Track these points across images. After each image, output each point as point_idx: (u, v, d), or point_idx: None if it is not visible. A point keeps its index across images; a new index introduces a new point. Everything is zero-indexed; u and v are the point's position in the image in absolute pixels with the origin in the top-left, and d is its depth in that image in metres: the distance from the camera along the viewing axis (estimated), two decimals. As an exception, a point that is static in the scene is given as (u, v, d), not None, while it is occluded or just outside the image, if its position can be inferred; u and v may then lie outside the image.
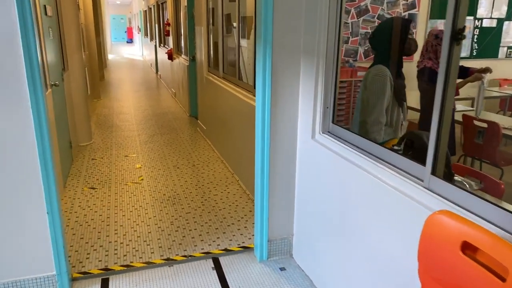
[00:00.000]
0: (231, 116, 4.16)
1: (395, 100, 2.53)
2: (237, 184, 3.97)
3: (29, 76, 2.00)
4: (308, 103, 2.39)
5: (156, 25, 11.45)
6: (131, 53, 21.22)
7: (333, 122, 2.32)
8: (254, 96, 3.50)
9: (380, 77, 2.51)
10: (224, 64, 4.64)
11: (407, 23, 2.64)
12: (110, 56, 18.32)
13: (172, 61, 8.49)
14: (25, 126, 2.05)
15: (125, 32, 30.97)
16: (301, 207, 2.64)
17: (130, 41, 30.00)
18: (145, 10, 15.58)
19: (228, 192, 3.79)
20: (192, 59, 6.58)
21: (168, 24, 8.39)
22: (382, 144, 2.20)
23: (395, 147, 2.25)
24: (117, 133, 5.79)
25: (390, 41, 2.65)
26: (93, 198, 3.64)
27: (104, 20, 16.42)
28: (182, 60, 7.33)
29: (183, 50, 7.58)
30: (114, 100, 8.34)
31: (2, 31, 1.93)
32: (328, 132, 2.33)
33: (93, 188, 3.84)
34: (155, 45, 12.29)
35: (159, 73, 11.86)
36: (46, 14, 3.61)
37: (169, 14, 8.46)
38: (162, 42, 10.81)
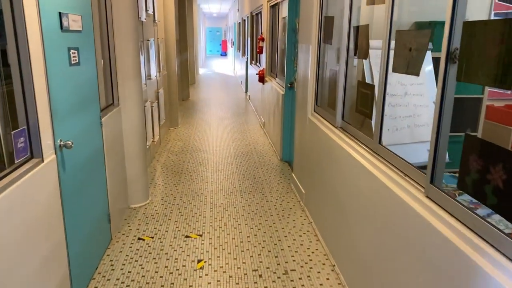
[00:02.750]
0: (360, 203, 2.34)
1: None
2: None
3: None
4: None
5: (249, 39, 10.09)
6: (223, 67, 20.48)
7: None
8: (418, 187, 1.62)
9: None
10: (346, 108, 2.84)
11: None
12: (201, 71, 17.65)
13: (263, 84, 6.93)
14: None
15: (220, 45, 30.89)
16: None
17: (224, 54, 29.78)
18: (239, 23, 14.49)
19: None
20: (290, 86, 4.89)
21: (262, 39, 6.85)
22: None
23: None
24: (184, 185, 4.30)
25: None
26: None
27: (196, 33, 15.72)
28: (275, 86, 5.69)
29: (277, 72, 5.95)
30: (193, 128, 7.02)
31: None
32: None
33: (119, 318, 2.29)
34: (246, 61, 10.95)
35: (248, 93, 10.46)
36: (62, 27, 2.18)
37: (263, 27, 6.93)
38: (254, 59, 9.37)
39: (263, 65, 7.09)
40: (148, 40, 4.89)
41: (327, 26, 3.17)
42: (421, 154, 3.34)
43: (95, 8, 3.08)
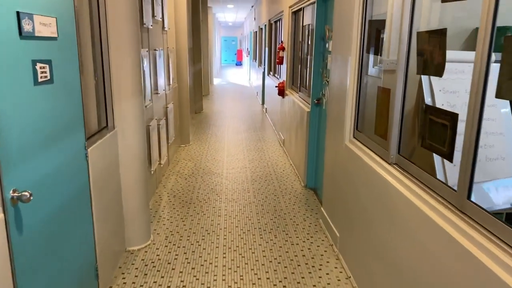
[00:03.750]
0: (443, 280, 1.65)
1: None
2: None
3: None
4: None
5: (266, 48, 9.49)
6: (238, 77, 19.96)
7: None
8: None
9: None
10: (404, 139, 2.16)
11: None
12: (215, 81, 17.14)
13: (283, 97, 6.29)
14: None
15: (235, 54, 30.50)
16: None
17: (239, 63, 29.36)
18: (255, 31, 13.95)
19: None
20: (316, 103, 4.23)
21: (282, 49, 6.22)
22: None
23: None
24: (193, 219, 3.66)
25: None
26: None
27: (211, 42, 15.25)
28: (298, 101, 5.03)
29: (300, 86, 5.30)
30: (206, 145, 6.40)
31: None
32: None
33: None
34: (263, 72, 10.35)
35: (265, 106, 9.84)
36: (21, 33, 1.57)
37: (284, 36, 6.30)
38: (272, 70, 8.75)
39: (283, 77, 6.46)
40: (155, 50, 4.31)
41: (373, 32, 2.51)
42: (497, 197, 2.64)
43: (84, 11, 2.49)
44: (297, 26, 5.67)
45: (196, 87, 9.37)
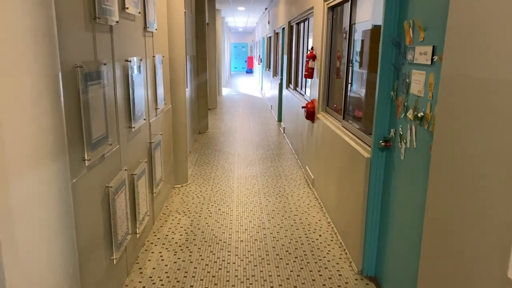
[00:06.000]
0: None
1: None
2: None
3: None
4: None
5: (285, 56, 7.90)
6: (249, 86, 18.40)
7: None
8: None
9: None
10: None
11: None
12: (224, 91, 15.60)
13: (313, 122, 4.68)
14: None
15: (245, 61, 29.04)
16: None
17: (250, 71, 27.89)
18: (269, 37, 12.39)
19: None
20: (384, 146, 2.60)
21: (313, 57, 4.61)
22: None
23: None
24: None
25: None
26: None
27: (220, 49, 13.75)
28: (342, 134, 3.41)
29: (343, 110, 3.66)
30: (208, 185, 4.81)
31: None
32: None
33: None
34: (280, 84, 8.76)
35: (282, 124, 8.22)
36: None
37: (315, 41, 4.69)
38: (292, 82, 7.15)
39: (312, 93, 4.86)
40: (127, 61, 2.75)
41: None
42: None
43: None
44: (336, 26, 4.07)
45: (201, 102, 7.82)
